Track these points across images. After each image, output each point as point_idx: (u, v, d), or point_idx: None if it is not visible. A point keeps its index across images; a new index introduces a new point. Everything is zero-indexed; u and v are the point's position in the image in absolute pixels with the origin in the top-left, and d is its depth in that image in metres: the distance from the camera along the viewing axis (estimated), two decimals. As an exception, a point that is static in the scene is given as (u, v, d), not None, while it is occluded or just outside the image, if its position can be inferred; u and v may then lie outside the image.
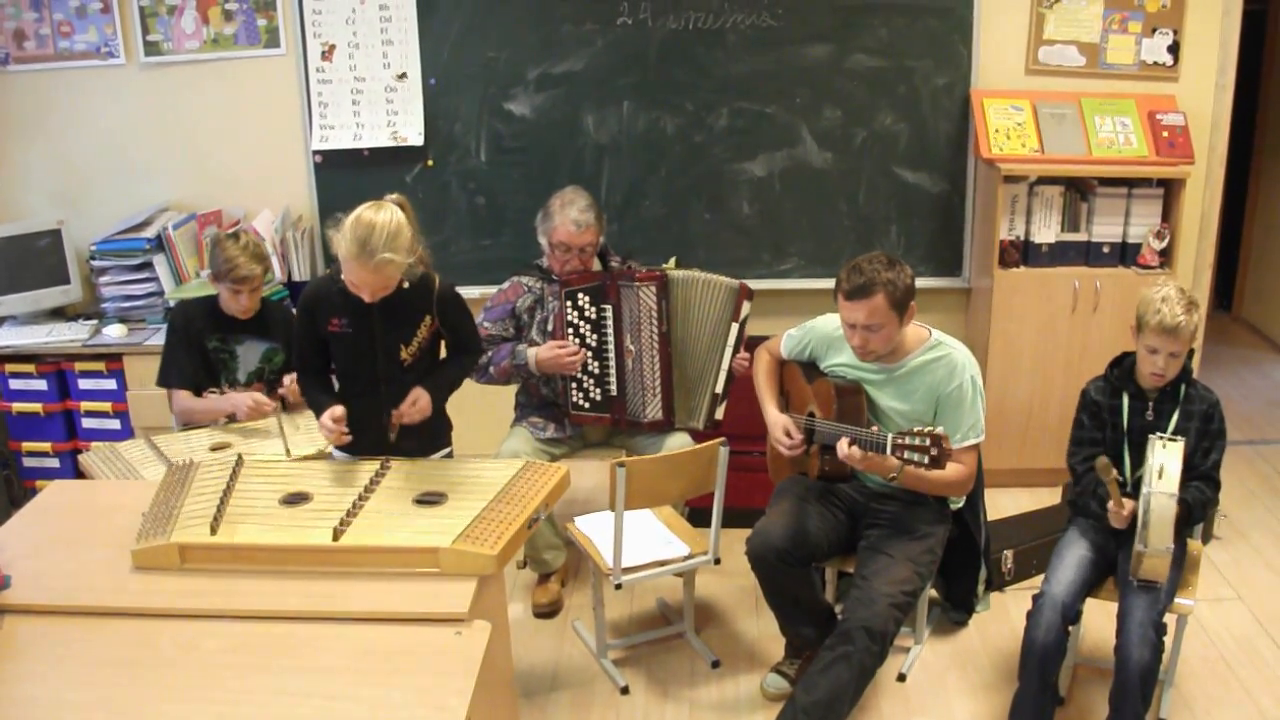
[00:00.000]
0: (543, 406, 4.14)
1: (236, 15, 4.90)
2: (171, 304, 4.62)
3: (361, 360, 3.18)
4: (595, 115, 4.92)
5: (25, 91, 5.04)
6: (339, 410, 3.11)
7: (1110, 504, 3.18)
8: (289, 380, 3.88)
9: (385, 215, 2.92)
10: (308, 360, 3.27)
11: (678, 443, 3.99)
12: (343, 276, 3.02)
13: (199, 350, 3.91)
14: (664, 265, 4.19)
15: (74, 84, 5.02)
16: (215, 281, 3.89)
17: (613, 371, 4.02)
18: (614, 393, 4.04)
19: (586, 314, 3.97)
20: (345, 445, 3.18)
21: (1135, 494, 3.15)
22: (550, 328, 4.00)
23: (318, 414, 3.15)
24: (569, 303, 3.95)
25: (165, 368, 3.96)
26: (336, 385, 3.27)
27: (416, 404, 3.16)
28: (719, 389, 4.05)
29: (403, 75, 4.89)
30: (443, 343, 3.35)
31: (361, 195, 3.01)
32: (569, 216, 3.90)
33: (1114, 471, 3.14)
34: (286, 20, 4.90)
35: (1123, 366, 3.36)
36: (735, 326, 4.00)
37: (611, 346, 4.00)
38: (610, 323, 3.99)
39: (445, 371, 3.33)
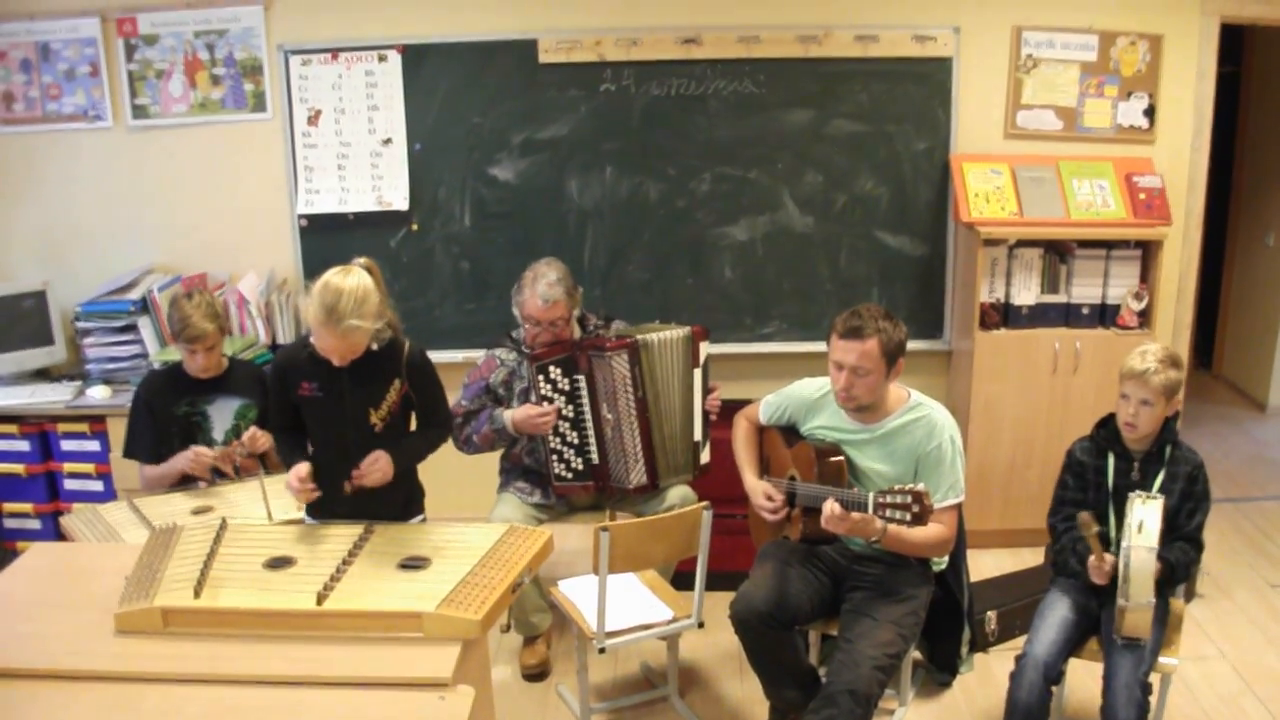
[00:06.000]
0: (527, 472, 4.14)
1: (224, 80, 4.96)
2: (156, 365, 4.61)
3: (331, 424, 3.17)
4: (579, 180, 4.96)
5: (12, 153, 5.08)
6: (304, 468, 3.10)
7: (1090, 559, 3.20)
8: (246, 437, 3.84)
9: (352, 281, 2.94)
10: (282, 423, 3.27)
11: (678, 495, 4.04)
12: (312, 341, 3.04)
13: (167, 419, 3.90)
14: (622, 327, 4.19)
15: (61, 146, 5.06)
16: (174, 342, 3.90)
17: (592, 440, 4.03)
18: (595, 461, 4.04)
19: (560, 386, 3.98)
20: (315, 508, 3.18)
21: (1118, 554, 3.16)
22: (532, 398, 4.00)
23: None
24: (540, 376, 3.95)
25: (129, 441, 3.95)
26: (310, 450, 3.25)
27: (376, 464, 3.14)
28: (698, 436, 4.08)
29: (388, 140, 4.94)
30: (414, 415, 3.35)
31: (346, 259, 3.04)
32: (538, 291, 3.90)
33: (1096, 526, 3.15)
34: (273, 85, 4.95)
35: (1108, 427, 3.40)
36: (698, 372, 4.03)
37: (589, 416, 4.01)
38: (585, 393, 4.00)
39: (411, 441, 3.31)
